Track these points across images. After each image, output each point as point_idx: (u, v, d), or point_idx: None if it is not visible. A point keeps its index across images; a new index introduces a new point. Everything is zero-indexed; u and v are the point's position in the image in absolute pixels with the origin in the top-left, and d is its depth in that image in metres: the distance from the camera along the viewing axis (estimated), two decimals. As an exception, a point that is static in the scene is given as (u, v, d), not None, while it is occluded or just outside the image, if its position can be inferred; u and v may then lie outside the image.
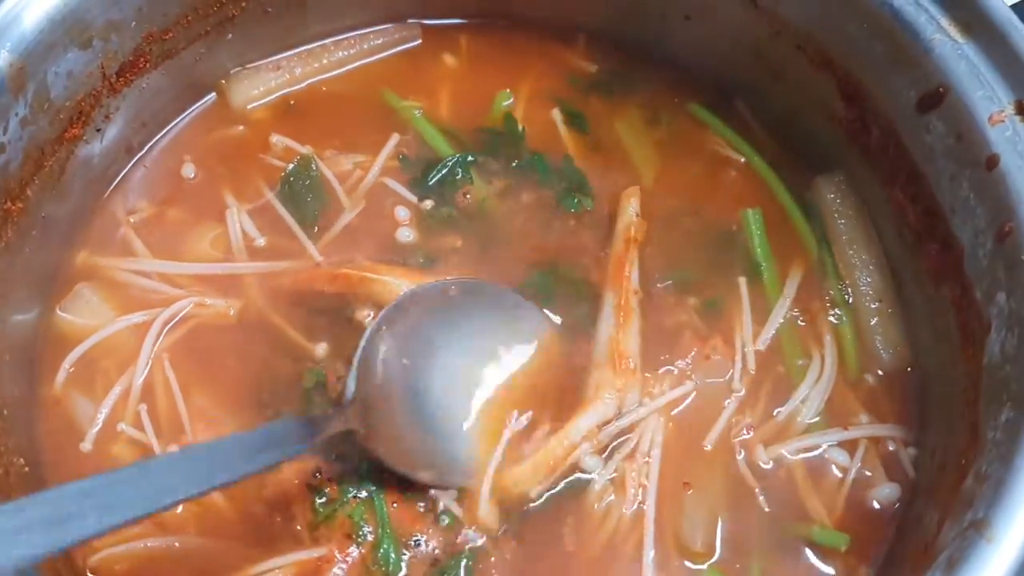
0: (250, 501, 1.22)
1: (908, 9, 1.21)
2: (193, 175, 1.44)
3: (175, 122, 1.48)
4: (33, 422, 1.28)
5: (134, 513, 0.91)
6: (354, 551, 1.18)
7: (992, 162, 1.12)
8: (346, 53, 1.53)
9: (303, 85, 1.52)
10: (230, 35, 1.43)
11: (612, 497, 1.22)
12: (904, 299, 1.34)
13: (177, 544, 1.20)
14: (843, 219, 1.38)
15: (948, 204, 1.21)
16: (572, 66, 1.55)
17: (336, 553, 1.17)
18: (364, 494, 1.21)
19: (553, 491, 1.22)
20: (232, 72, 1.49)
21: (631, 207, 1.38)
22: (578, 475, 1.23)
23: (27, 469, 1.22)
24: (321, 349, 1.30)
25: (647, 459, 1.23)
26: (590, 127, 1.49)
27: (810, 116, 1.41)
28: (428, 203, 1.41)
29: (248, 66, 1.50)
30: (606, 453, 1.24)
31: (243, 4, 1.41)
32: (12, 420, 1.23)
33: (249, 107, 1.49)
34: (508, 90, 1.50)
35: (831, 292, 1.36)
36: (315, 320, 1.33)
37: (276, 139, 1.46)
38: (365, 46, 1.54)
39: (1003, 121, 1.13)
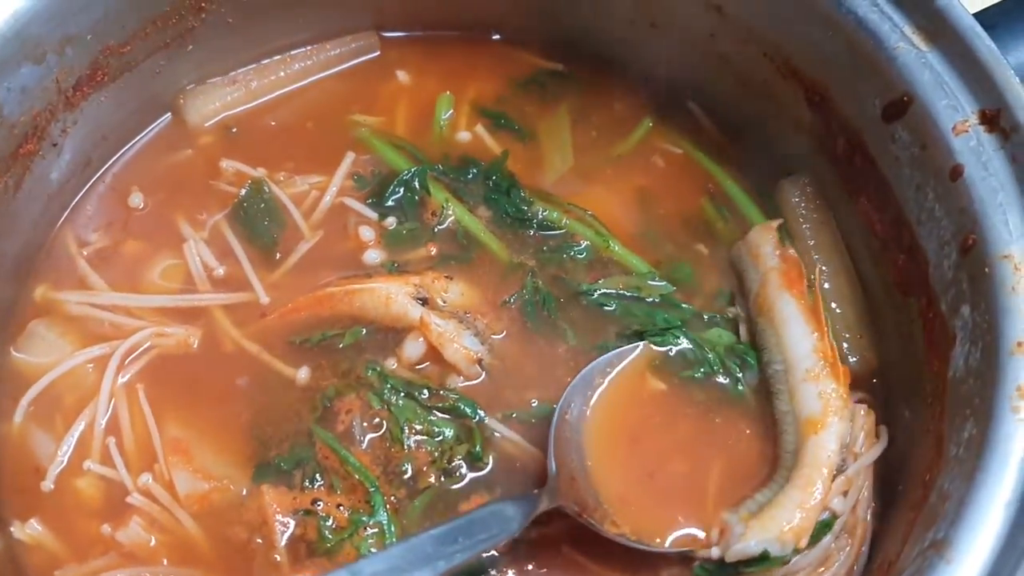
0: (226, 528, 1.21)
1: (872, 17, 1.20)
2: (143, 205, 1.42)
3: (134, 140, 1.47)
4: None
5: None
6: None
7: (956, 172, 1.12)
8: (302, 65, 1.51)
9: (256, 103, 1.50)
10: (190, 47, 1.41)
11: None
12: (872, 308, 1.33)
13: (149, 575, 1.19)
14: (808, 223, 1.38)
15: (914, 214, 1.20)
16: (530, 73, 1.54)
17: None
18: (375, 529, 1.19)
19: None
20: (188, 88, 1.47)
21: (771, 238, 1.35)
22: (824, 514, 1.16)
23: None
24: (303, 373, 1.29)
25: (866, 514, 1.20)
26: (527, 132, 1.50)
27: (777, 123, 1.40)
28: (390, 220, 1.40)
29: (205, 82, 1.48)
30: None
31: (203, 16, 1.39)
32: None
33: (206, 124, 1.48)
34: (448, 92, 1.50)
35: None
36: (292, 346, 1.31)
37: (226, 164, 1.44)
38: (322, 57, 1.52)
39: (967, 131, 1.12)
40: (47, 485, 1.23)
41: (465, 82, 1.53)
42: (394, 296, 1.30)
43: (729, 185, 1.44)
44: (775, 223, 1.37)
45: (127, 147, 1.46)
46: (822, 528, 1.14)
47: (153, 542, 1.20)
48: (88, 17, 1.26)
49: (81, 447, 1.25)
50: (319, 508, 1.20)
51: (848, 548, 1.16)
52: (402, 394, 1.26)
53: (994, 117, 1.10)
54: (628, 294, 1.35)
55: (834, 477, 1.16)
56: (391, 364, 1.29)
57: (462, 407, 1.26)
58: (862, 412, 1.23)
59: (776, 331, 1.28)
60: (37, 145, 1.29)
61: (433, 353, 1.29)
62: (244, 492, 1.22)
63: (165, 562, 1.20)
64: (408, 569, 1.05)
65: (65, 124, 1.32)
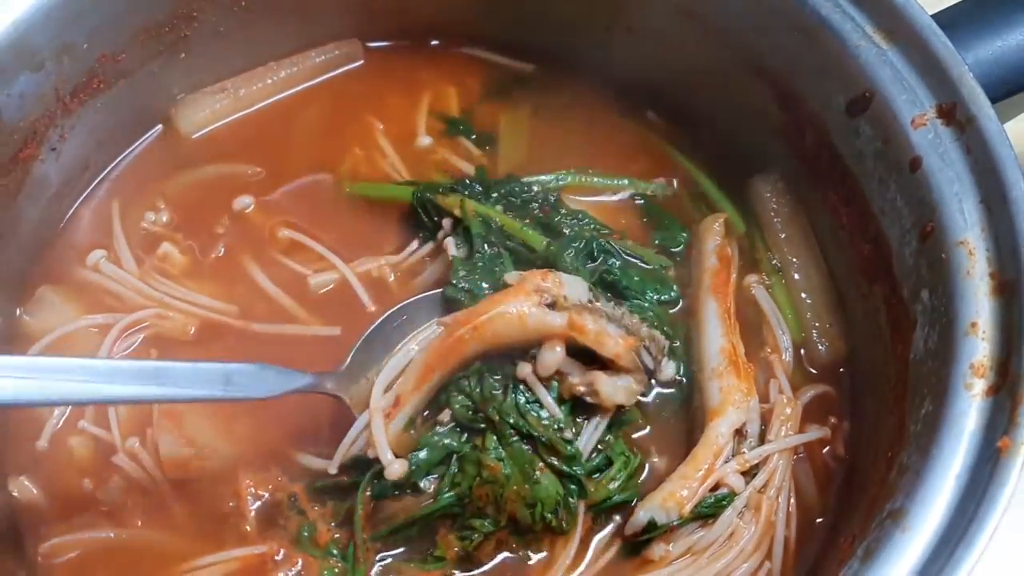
0: (199, 497, 1.26)
1: (835, 17, 1.25)
2: (166, 219, 1.47)
3: (131, 145, 1.51)
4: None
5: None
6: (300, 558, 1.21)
7: (915, 164, 1.16)
8: (288, 72, 1.55)
9: (246, 111, 1.55)
10: (183, 55, 1.46)
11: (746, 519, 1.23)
12: (840, 296, 1.38)
13: (125, 535, 1.24)
14: (779, 217, 1.42)
15: (878, 205, 1.25)
16: (506, 78, 1.60)
17: (281, 551, 1.21)
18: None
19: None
20: (179, 97, 1.52)
21: (718, 230, 1.41)
22: (720, 491, 1.22)
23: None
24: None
25: (778, 497, 1.24)
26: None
27: (747, 120, 1.44)
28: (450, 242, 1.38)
29: (196, 90, 1.53)
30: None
31: (195, 24, 1.44)
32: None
33: (198, 131, 1.52)
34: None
35: (763, 265, 1.42)
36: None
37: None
38: (307, 65, 1.56)
39: (925, 124, 1.17)
40: (41, 444, 1.29)
41: (443, 87, 1.58)
42: (526, 310, 1.20)
43: (703, 180, 1.49)
44: (721, 216, 1.42)
45: (125, 152, 1.51)
46: (718, 502, 1.21)
47: (129, 501, 1.26)
48: (85, 26, 1.31)
49: (78, 407, 1.31)
50: (301, 516, 1.23)
51: (754, 524, 1.22)
52: (533, 439, 1.20)
53: (950, 111, 1.15)
54: (632, 257, 1.39)
55: (728, 458, 1.23)
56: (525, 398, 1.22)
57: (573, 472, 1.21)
58: (785, 402, 1.30)
59: (698, 333, 1.34)
60: (36, 150, 1.34)
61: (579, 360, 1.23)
62: (221, 467, 1.26)
63: (139, 523, 1.25)
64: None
65: (63, 130, 1.37)
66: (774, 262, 1.41)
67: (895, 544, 0.97)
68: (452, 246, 1.36)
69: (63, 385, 1.04)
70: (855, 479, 1.25)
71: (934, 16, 1.20)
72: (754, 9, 1.34)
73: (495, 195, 1.42)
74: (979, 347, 1.05)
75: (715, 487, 1.23)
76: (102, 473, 1.27)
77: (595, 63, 1.54)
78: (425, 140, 1.53)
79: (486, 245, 1.34)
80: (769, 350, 1.36)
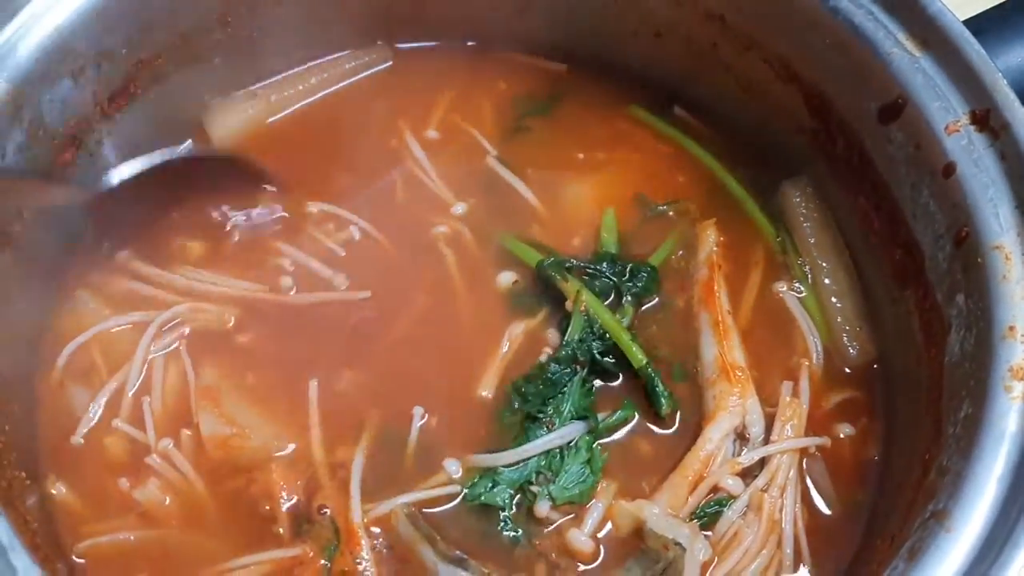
0: (234, 495, 1.26)
1: (867, 25, 1.26)
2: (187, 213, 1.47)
3: (166, 148, 1.49)
4: (33, 421, 1.32)
5: None
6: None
7: (949, 170, 1.17)
8: (319, 78, 1.57)
9: (277, 116, 1.56)
10: (216, 59, 1.48)
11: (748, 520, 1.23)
12: (870, 300, 1.39)
13: (161, 535, 1.25)
14: (808, 222, 1.43)
15: (910, 210, 1.26)
16: (537, 85, 1.61)
17: (311, 555, 1.21)
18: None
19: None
20: (212, 102, 1.53)
21: (710, 237, 1.42)
22: (720, 495, 1.24)
23: (28, 482, 1.26)
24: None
25: (782, 496, 1.25)
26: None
27: (777, 126, 1.46)
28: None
29: (228, 95, 1.54)
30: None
31: (228, 29, 1.45)
32: (15, 430, 1.26)
33: (230, 136, 1.53)
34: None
35: (793, 270, 1.43)
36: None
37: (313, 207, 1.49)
38: (338, 69, 1.58)
39: (958, 131, 1.18)
40: (77, 440, 1.30)
41: (472, 91, 1.59)
42: None
43: (731, 183, 1.49)
44: (711, 222, 1.44)
45: (154, 155, 1.48)
46: (718, 505, 1.23)
47: (167, 502, 1.26)
48: (123, 32, 1.33)
49: (113, 406, 1.32)
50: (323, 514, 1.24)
51: (757, 524, 1.22)
52: None
53: (984, 117, 1.16)
54: None
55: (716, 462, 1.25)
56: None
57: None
58: (788, 402, 1.31)
59: (697, 346, 1.36)
60: (74, 154, 1.35)
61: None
62: (259, 444, 1.27)
63: (175, 524, 1.26)
64: None
65: (100, 135, 1.38)
66: (805, 267, 1.43)
67: (940, 544, 0.98)
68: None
69: None
70: (890, 479, 1.26)
71: (963, 23, 1.21)
72: (785, 17, 1.35)
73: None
74: (1018, 350, 1.06)
75: (715, 491, 1.24)
76: (139, 473, 1.28)
77: (624, 67, 1.56)
78: (432, 133, 1.55)
79: (576, 351, 1.32)
80: (795, 355, 1.37)
